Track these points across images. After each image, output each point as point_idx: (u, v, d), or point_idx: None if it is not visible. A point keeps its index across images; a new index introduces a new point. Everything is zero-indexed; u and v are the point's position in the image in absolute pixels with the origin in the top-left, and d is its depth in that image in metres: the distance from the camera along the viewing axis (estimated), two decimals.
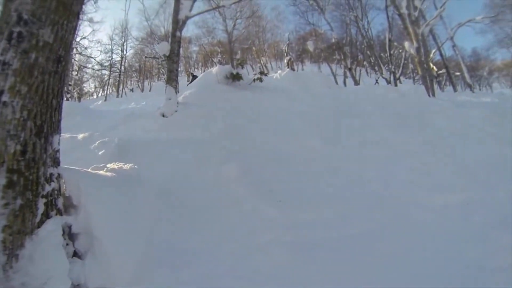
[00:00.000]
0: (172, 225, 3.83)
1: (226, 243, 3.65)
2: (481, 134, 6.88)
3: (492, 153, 5.87)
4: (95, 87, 46.45)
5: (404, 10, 13.83)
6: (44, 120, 2.50)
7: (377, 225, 3.97)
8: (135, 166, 4.20)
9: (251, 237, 3.74)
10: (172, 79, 8.39)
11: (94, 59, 31.83)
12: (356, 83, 26.40)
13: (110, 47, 37.88)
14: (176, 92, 8.38)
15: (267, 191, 4.72)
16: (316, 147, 6.26)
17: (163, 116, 7.64)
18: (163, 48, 8.57)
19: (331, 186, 4.97)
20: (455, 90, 23.29)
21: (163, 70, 38.83)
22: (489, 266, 3.09)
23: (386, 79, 25.42)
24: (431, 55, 23.12)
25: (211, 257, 3.41)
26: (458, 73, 26.25)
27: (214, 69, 10.67)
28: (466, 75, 22.87)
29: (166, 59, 8.64)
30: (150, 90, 39.01)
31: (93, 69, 33.32)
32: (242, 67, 10.48)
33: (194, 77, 15.78)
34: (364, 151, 6.15)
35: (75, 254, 2.74)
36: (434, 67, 22.86)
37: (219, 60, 37.04)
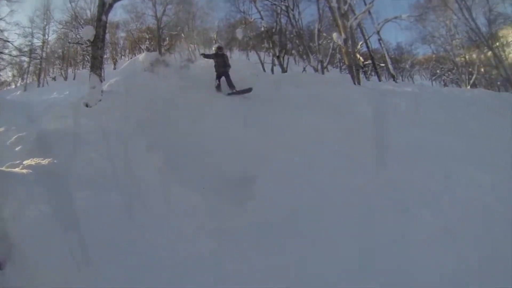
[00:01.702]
0: (96, 220, 3.71)
1: (151, 234, 3.63)
2: (402, 120, 7.34)
3: (412, 137, 6.29)
4: (13, 76, 42.56)
5: (334, 4, 14.32)
6: None
7: (302, 207, 4.14)
8: (55, 161, 4.00)
9: (176, 226, 3.75)
10: (96, 67, 7.97)
11: (12, 44, 29.12)
12: (284, 70, 26.87)
13: (30, 30, 34.96)
14: (101, 80, 8.00)
15: (190, 178, 4.72)
16: (241, 134, 6.30)
17: (87, 106, 7.27)
18: (87, 33, 8.08)
19: (255, 172, 5.06)
20: (379, 79, 24.63)
21: (87, 57, 36.62)
22: (411, 238, 3.37)
23: (313, 68, 26.13)
24: (358, 46, 24.24)
25: (137, 250, 3.38)
26: (382, 65, 27.78)
27: (141, 56, 10.32)
28: (390, 67, 24.28)
29: (91, 45, 8.19)
30: (74, 79, 36.57)
31: (10, 55, 30.46)
32: (170, 54, 10.22)
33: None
34: (290, 136, 6.28)
35: None
36: (361, 58, 24.05)
37: (147, 47, 35.79)
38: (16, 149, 4.98)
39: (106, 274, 3.06)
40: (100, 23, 8.10)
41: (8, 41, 28.94)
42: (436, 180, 4.66)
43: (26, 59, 34.49)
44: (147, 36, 37.39)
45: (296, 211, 4.07)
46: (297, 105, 7.99)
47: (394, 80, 23.83)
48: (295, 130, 6.67)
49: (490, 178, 4.55)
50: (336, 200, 4.28)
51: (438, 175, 4.79)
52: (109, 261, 3.20)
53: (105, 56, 10.00)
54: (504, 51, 12.04)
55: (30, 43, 34.59)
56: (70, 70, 41.40)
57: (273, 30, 29.58)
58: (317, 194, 4.44)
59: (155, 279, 3.01)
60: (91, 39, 7.97)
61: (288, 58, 30.74)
